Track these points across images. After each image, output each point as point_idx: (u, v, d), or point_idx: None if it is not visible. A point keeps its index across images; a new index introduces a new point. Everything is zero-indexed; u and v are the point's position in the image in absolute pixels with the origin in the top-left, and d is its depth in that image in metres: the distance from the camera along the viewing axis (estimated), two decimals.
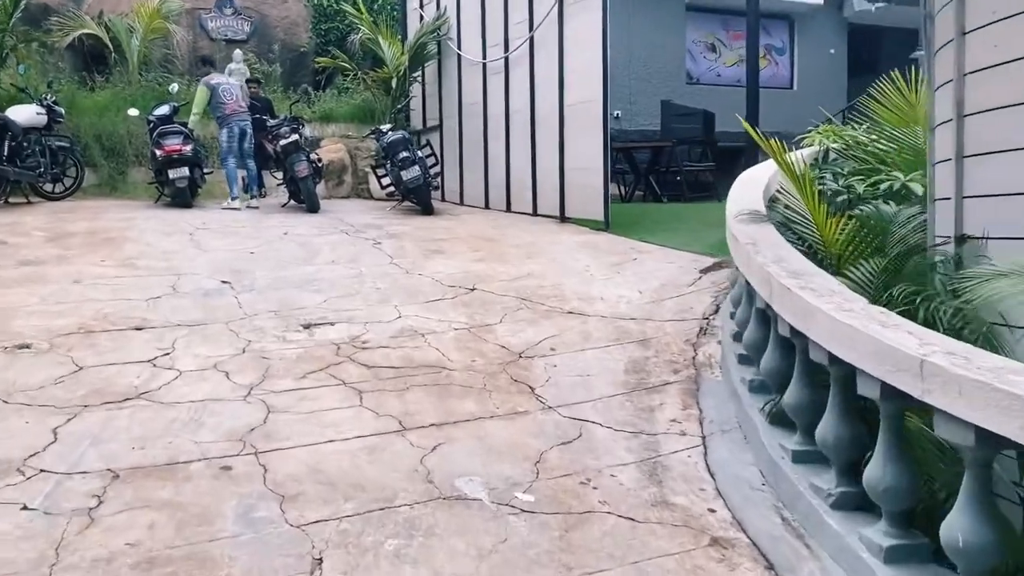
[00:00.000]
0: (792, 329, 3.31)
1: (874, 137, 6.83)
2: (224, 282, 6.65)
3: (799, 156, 5.94)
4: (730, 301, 4.99)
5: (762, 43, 18.88)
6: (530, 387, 4.66)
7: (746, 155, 18.37)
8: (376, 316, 5.86)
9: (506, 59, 10.96)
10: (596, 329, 5.64)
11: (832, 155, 7.16)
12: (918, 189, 5.55)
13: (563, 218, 9.80)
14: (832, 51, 19.14)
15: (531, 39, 10.34)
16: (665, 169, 13.32)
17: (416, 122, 14.19)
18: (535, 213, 10.43)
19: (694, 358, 5.09)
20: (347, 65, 14.13)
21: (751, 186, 5.60)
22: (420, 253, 7.90)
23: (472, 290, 6.52)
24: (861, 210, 5.07)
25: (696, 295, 6.28)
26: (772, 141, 5.53)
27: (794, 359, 3.49)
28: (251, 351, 5.11)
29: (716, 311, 5.85)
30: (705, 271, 6.92)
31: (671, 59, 17.36)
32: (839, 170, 6.69)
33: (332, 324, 5.66)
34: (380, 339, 5.39)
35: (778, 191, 5.97)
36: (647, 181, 13.60)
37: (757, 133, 5.55)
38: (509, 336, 5.49)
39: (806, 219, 5.00)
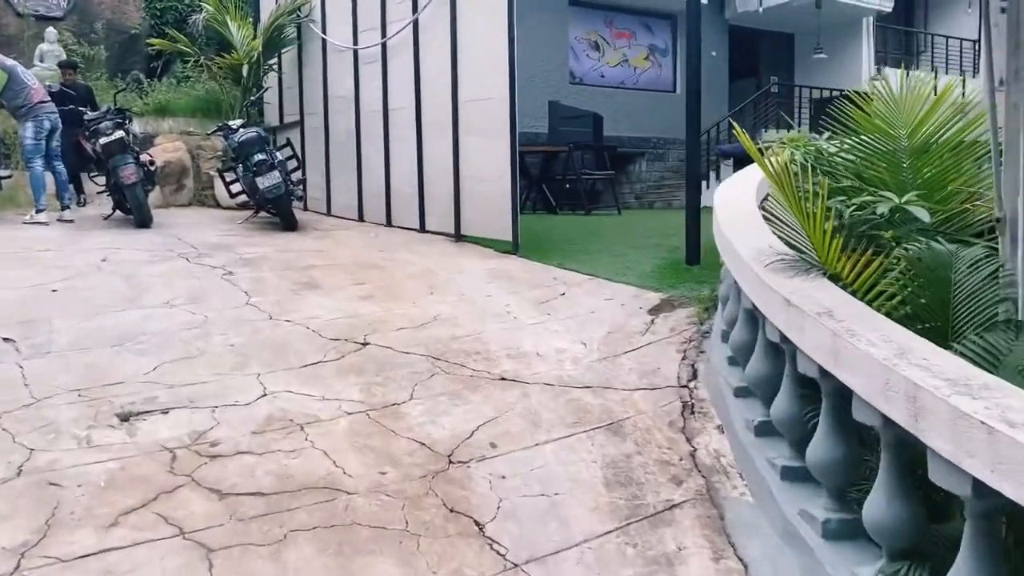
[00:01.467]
0: (979, 486, 1.92)
1: (836, 146, 5.70)
2: (6, 340, 4.70)
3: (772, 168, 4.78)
4: (746, 378, 3.59)
5: (645, 43, 18.01)
6: (476, 523, 3.09)
7: (640, 160, 17.46)
8: (230, 393, 4.11)
9: (383, 46, 9.28)
10: (544, 405, 4.13)
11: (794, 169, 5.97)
12: (923, 215, 4.38)
13: (459, 237, 8.25)
14: (714, 54, 18.48)
15: (415, 22, 8.73)
16: (561, 177, 11.99)
17: (272, 117, 12.22)
18: (423, 229, 8.82)
19: (693, 455, 3.67)
20: (188, 49, 11.97)
21: (746, 209, 4.27)
22: (287, 287, 6.12)
23: (364, 345, 4.87)
24: (907, 249, 3.83)
25: (657, 348, 4.90)
26: (773, 159, 4.29)
27: (957, 520, 2.12)
28: (31, 472, 3.27)
29: (694, 375, 4.48)
30: (655, 311, 5.56)
31: (554, 56, 16.11)
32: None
33: (165, 412, 3.87)
34: (238, 436, 3.66)
35: (762, 210, 4.69)
36: (539, 190, 12.26)
37: (752, 145, 4.25)
38: (427, 423, 3.89)
39: (810, 258, 3.72)
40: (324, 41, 10.47)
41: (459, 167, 8.13)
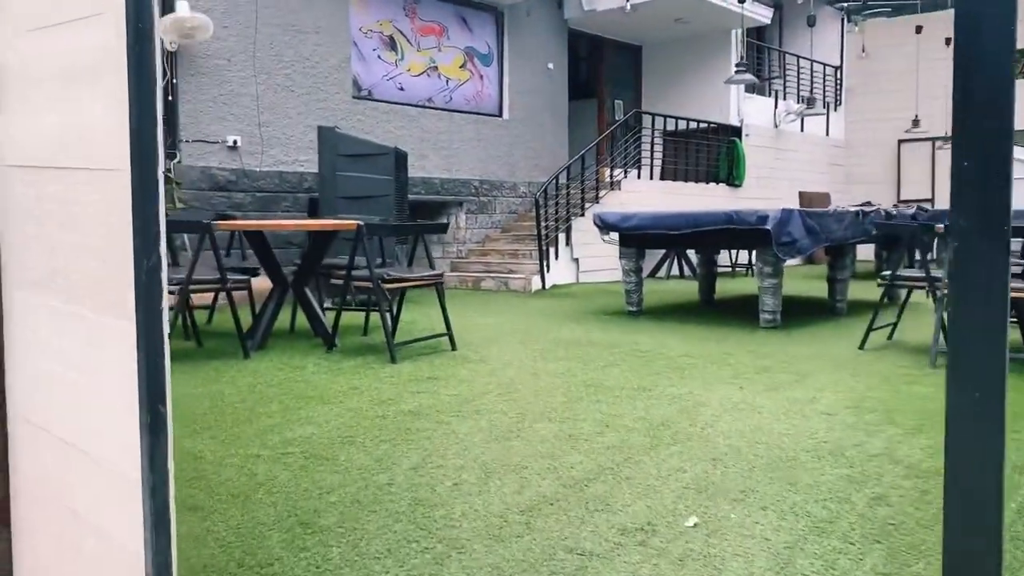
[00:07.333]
0: None
1: None
2: None
3: None
4: None
5: (461, 44, 12.81)
6: None
7: (456, 212, 12.24)
8: None
9: None
10: None
11: None
12: None
13: None
14: (551, 66, 13.70)
15: None
16: (340, 280, 6.31)
17: None
18: None
19: None
20: None
21: None
22: None
23: None
24: None
25: None
26: None
27: None
28: None
29: None
30: None
31: (330, 55, 10.55)
32: None
33: None
34: None
35: None
36: (300, 295, 6.56)
37: None
38: None
39: None
40: None
41: (4, 389, 2.42)
